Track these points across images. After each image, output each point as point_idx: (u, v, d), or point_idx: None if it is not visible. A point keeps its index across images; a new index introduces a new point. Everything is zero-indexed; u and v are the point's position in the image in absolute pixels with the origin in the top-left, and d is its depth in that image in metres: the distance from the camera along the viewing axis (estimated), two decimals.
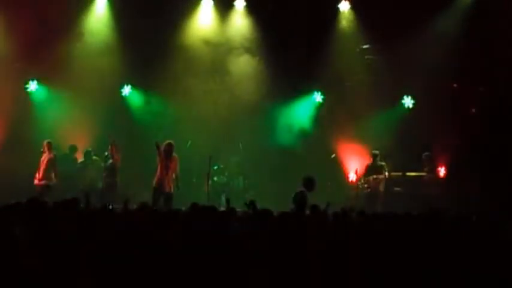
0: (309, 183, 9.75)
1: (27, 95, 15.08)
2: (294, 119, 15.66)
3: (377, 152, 13.79)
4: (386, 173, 13.65)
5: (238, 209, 8.01)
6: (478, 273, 5.27)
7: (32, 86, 15.10)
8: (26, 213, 6.42)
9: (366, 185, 13.82)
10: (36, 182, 13.09)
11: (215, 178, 14.57)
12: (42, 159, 13.16)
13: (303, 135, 15.46)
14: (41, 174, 13.11)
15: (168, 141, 12.53)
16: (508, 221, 7.14)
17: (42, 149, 13.17)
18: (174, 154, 12.59)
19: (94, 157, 13.97)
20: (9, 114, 14.27)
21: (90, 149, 14.08)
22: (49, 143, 13.24)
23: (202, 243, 5.50)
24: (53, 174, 13.19)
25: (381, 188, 13.68)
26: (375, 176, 13.65)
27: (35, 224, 6.00)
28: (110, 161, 13.32)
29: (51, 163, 13.17)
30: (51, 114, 14.73)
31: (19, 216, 6.16)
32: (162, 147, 12.35)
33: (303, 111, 15.79)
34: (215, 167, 14.51)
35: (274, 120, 15.42)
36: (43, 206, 6.74)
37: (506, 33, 13.77)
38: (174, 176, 12.46)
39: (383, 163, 13.71)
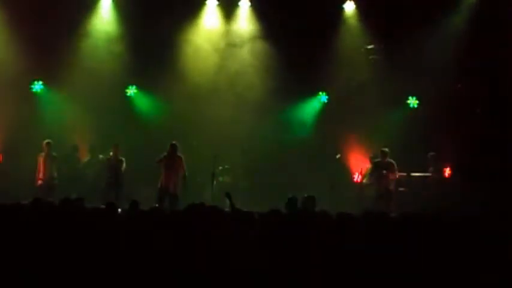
0: (291, 203, 8.73)
1: (32, 95, 15.12)
2: (299, 118, 15.66)
3: (386, 149, 13.37)
4: (397, 173, 13.38)
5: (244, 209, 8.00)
6: (481, 273, 5.26)
7: (37, 86, 15.15)
8: (31, 214, 6.44)
9: (373, 185, 13.62)
10: (39, 182, 13.11)
11: (220, 178, 14.56)
12: (42, 159, 13.18)
13: (308, 135, 15.43)
14: (42, 175, 13.13)
15: (171, 142, 12.61)
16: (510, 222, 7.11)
17: (42, 149, 13.22)
18: (179, 154, 12.63)
19: (101, 156, 14.03)
20: (14, 114, 14.29)
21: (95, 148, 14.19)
22: (49, 143, 13.27)
23: (205, 244, 5.50)
24: (55, 174, 13.24)
25: (392, 187, 13.37)
26: (384, 172, 13.35)
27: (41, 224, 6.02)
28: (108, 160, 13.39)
29: (52, 163, 13.20)
30: (55, 114, 14.76)
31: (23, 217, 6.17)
32: (164, 154, 12.45)
33: (308, 111, 15.79)
34: (220, 167, 14.50)
35: (279, 119, 15.41)
36: (48, 206, 6.76)
37: (509, 32, 13.75)
38: (181, 176, 12.53)
39: (392, 161, 13.46)
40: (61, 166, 13.51)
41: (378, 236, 6.17)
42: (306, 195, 9.34)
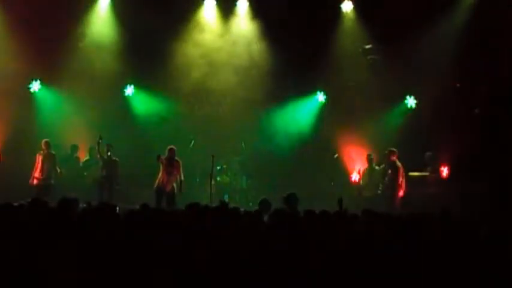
0: (290, 200, 8.87)
1: (30, 94, 15.09)
2: (297, 118, 15.64)
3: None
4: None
5: (241, 209, 8.02)
6: (481, 273, 5.26)
7: (35, 86, 15.11)
8: (28, 214, 6.44)
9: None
10: (35, 181, 13.02)
11: (218, 178, 14.57)
12: (40, 158, 13.11)
13: (306, 135, 15.43)
14: (40, 174, 13.05)
15: (170, 146, 12.62)
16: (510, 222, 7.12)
17: (40, 148, 13.16)
18: (177, 158, 12.66)
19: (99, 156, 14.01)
20: (12, 114, 14.27)
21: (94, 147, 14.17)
22: (47, 142, 13.20)
23: (204, 244, 5.49)
24: (53, 174, 13.15)
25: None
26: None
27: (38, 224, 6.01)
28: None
29: (51, 162, 13.13)
30: (53, 114, 14.74)
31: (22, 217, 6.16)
32: (164, 156, 12.43)
33: (306, 111, 15.78)
34: (218, 167, 14.50)
35: (277, 120, 15.40)
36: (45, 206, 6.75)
37: (509, 33, 13.76)
38: (178, 179, 12.51)
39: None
40: (61, 166, 13.44)
41: (377, 236, 6.17)
42: (288, 192, 8.94)
